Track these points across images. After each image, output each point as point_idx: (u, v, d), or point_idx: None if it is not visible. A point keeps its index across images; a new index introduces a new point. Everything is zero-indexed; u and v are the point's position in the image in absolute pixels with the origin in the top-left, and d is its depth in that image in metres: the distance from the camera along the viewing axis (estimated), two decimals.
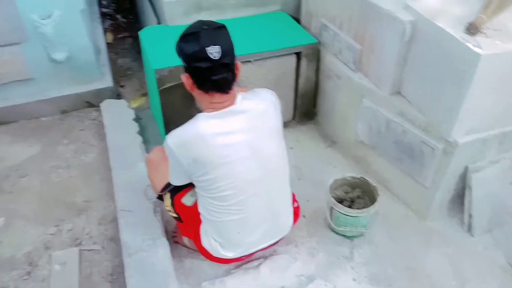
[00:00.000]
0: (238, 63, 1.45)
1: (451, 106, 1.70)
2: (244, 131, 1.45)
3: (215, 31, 1.36)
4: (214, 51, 1.32)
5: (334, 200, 1.89)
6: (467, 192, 1.94)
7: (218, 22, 1.40)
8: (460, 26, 1.66)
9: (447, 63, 1.68)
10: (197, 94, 1.46)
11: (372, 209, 1.85)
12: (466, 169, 1.89)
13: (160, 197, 1.73)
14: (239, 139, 1.44)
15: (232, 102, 1.45)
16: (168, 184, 1.66)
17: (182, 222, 1.71)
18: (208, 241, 1.64)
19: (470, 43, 1.58)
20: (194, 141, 1.42)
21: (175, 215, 1.70)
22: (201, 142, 1.41)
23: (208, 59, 1.33)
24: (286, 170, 1.65)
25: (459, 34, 1.63)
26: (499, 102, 1.72)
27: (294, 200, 1.79)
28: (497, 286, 1.80)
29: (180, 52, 1.39)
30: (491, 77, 1.61)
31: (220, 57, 1.33)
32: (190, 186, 1.65)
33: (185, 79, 1.45)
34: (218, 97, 1.43)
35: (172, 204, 1.68)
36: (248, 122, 1.46)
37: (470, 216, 1.96)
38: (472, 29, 1.64)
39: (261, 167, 1.51)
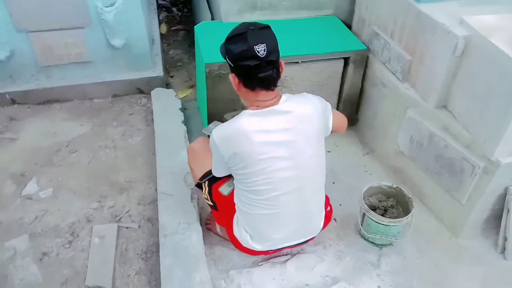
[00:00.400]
0: (282, 62, 1.51)
1: (497, 124, 1.68)
2: (284, 131, 1.50)
3: (261, 31, 1.43)
4: (261, 49, 1.39)
5: (367, 206, 1.90)
6: (504, 214, 1.89)
7: (264, 23, 1.48)
8: None
9: (498, 81, 1.65)
10: (243, 92, 1.53)
11: (404, 219, 1.85)
12: (506, 190, 1.85)
13: (199, 186, 1.81)
14: (278, 138, 1.50)
15: (276, 102, 1.51)
16: (207, 173, 1.73)
17: (217, 210, 1.78)
18: (239, 231, 1.70)
19: None
20: (236, 136, 1.49)
21: (211, 203, 1.77)
22: (242, 137, 1.48)
23: (255, 57, 1.40)
24: (322, 174, 1.69)
25: None
26: None
27: (327, 203, 1.81)
28: None
29: (228, 53, 1.47)
30: None
31: (266, 54, 1.40)
32: (228, 176, 1.72)
33: (232, 78, 1.53)
34: (263, 94, 1.49)
35: (210, 193, 1.75)
36: (289, 123, 1.51)
37: (506, 239, 1.92)
38: None
39: (297, 167, 1.55)
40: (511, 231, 1.90)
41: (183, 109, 2.62)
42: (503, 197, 1.88)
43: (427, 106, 2.02)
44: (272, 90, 1.49)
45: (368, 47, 2.42)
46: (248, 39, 1.39)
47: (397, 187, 1.99)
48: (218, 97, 2.32)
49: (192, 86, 3.05)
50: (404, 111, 2.14)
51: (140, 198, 2.20)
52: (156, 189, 2.11)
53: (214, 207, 1.78)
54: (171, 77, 3.19)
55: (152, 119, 2.57)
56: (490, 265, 1.92)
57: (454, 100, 1.94)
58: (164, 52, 3.42)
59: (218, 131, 1.53)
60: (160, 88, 2.81)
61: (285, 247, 1.76)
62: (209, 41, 2.40)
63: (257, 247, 1.71)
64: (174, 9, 4.13)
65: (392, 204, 2.03)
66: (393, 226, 1.86)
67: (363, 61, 2.42)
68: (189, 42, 3.58)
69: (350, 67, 2.43)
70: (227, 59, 1.49)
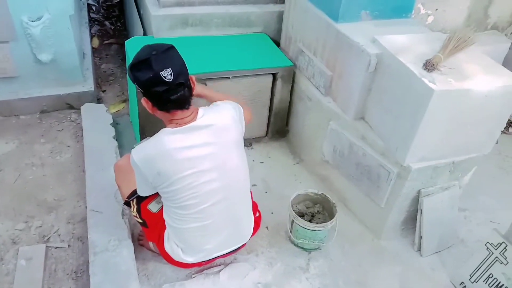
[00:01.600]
0: (192, 77, 1.54)
1: (406, 134, 1.85)
2: (206, 145, 1.54)
3: (165, 53, 1.43)
4: (167, 74, 1.40)
5: (294, 213, 2.00)
6: (418, 215, 2.08)
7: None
8: (420, 62, 1.82)
9: (405, 95, 1.83)
10: (159, 114, 1.55)
11: (329, 224, 1.97)
12: (418, 193, 2.03)
13: (127, 204, 1.80)
14: (201, 153, 1.54)
15: (193, 118, 1.54)
16: (135, 191, 1.72)
17: (147, 227, 1.79)
18: (170, 246, 1.72)
19: (426, 78, 1.74)
20: (158, 155, 1.49)
21: (140, 220, 1.77)
22: (165, 156, 1.49)
23: (163, 82, 1.40)
24: (247, 180, 1.75)
25: (417, 69, 1.78)
26: (449, 134, 1.87)
27: (255, 209, 1.88)
28: None
29: (135, 80, 1.46)
30: (442, 111, 1.76)
31: (174, 78, 1.41)
32: (156, 194, 1.73)
33: (145, 102, 1.53)
34: (179, 113, 1.51)
35: (138, 210, 1.75)
36: (210, 136, 1.55)
37: (421, 237, 2.10)
38: (429, 66, 1.79)
39: (222, 178, 1.60)
40: (425, 230, 2.08)
41: (114, 124, 2.59)
42: (416, 199, 2.06)
43: (346, 118, 2.18)
44: (188, 109, 1.52)
45: (294, 63, 2.56)
46: (153, 66, 1.39)
47: (322, 193, 2.12)
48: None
49: (125, 101, 3.02)
50: (327, 123, 2.28)
51: (70, 216, 2.14)
52: (86, 207, 2.07)
53: (144, 224, 1.78)
54: (103, 91, 3.15)
55: (82, 135, 2.52)
56: (408, 262, 2.10)
57: (370, 112, 2.11)
58: (96, 66, 3.36)
59: (138, 152, 1.51)
60: (90, 103, 2.76)
61: (218, 256, 1.80)
62: None
63: (189, 259, 1.74)
64: (107, 22, 4.07)
65: (318, 210, 2.15)
66: (319, 231, 1.97)
67: (290, 76, 2.56)
68: (122, 56, 3.55)
69: (279, 82, 2.55)
70: (136, 85, 1.49)
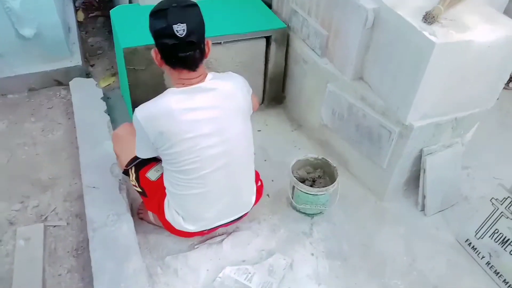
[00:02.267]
0: (209, 41, 1.49)
1: (407, 91, 1.79)
2: (210, 108, 1.50)
3: (184, 9, 1.38)
4: (180, 29, 1.36)
5: (295, 179, 1.96)
6: (421, 174, 2.04)
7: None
8: (419, 15, 1.73)
9: (405, 50, 1.76)
10: (166, 69, 1.50)
11: (330, 188, 1.93)
12: (421, 152, 1.99)
13: (126, 172, 1.76)
14: (205, 116, 1.49)
15: (201, 80, 1.50)
16: (133, 159, 1.70)
17: (146, 197, 1.75)
18: (171, 214, 1.69)
19: (427, 31, 1.66)
20: (161, 115, 1.46)
21: (139, 189, 1.74)
22: (168, 116, 1.46)
23: (174, 36, 1.36)
24: (250, 150, 1.71)
25: (417, 22, 1.71)
26: (451, 89, 1.81)
27: (258, 179, 1.85)
28: (445, 262, 1.92)
29: (150, 27, 1.42)
30: (444, 65, 1.69)
31: (186, 35, 1.37)
32: (154, 161, 1.70)
33: (154, 54, 1.49)
34: (185, 73, 1.47)
35: (137, 179, 1.72)
36: (215, 100, 1.51)
37: (424, 197, 2.07)
38: (429, 18, 1.71)
39: (225, 144, 1.56)
40: (428, 189, 2.05)
41: (105, 98, 2.52)
42: (419, 159, 2.02)
43: (344, 79, 2.11)
44: (194, 70, 1.47)
45: (288, 25, 2.46)
46: (168, 17, 1.35)
47: (322, 158, 2.07)
48: (140, 83, 2.26)
49: (114, 74, 2.93)
50: (325, 86, 2.21)
51: (66, 194, 2.10)
52: (82, 184, 2.02)
53: (143, 193, 1.75)
54: (92, 66, 3.05)
55: (73, 111, 2.45)
56: (411, 223, 2.08)
57: (368, 72, 2.04)
58: (82, 40, 3.24)
59: (142, 110, 1.48)
60: (79, 78, 2.67)
61: (220, 225, 1.77)
62: (126, 25, 2.31)
63: (191, 228, 1.70)
64: None
65: (319, 174, 2.11)
66: (321, 195, 1.94)
67: (284, 39, 2.46)
68: (109, 29, 3.41)
69: (273, 46, 2.46)
70: (151, 33, 1.44)
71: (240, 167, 1.67)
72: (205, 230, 1.75)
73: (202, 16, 1.43)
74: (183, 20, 1.36)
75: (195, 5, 1.42)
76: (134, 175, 1.72)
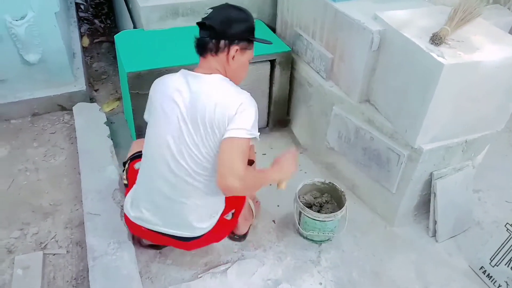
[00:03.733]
0: (238, 49, 1.50)
1: (416, 114, 1.75)
2: (188, 99, 1.45)
3: (227, 5, 1.52)
4: (208, 11, 1.48)
5: (302, 204, 1.91)
6: (432, 199, 1.98)
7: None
8: (426, 37, 1.72)
9: (412, 72, 1.73)
10: None
11: (339, 214, 1.87)
12: (431, 176, 1.93)
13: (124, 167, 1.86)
14: (180, 101, 1.46)
15: (205, 71, 1.50)
16: (132, 156, 1.82)
17: (127, 187, 1.77)
18: (128, 196, 1.70)
19: (435, 52, 1.63)
20: (157, 82, 1.57)
21: (126, 182, 1.78)
22: (159, 85, 1.56)
23: (203, 17, 1.48)
24: (202, 167, 1.50)
25: (424, 44, 1.69)
26: (461, 111, 1.77)
27: (227, 212, 1.68)
28: None
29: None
30: (453, 86, 1.66)
31: (208, 18, 1.46)
32: None
33: None
34: (200, 60, 1.54)
35: (127, 170, 1.79)
36: (198, 96, 1.43)
37: (435, 222, 2.00)
38: (436, 39, 1.70)
39: (179, 141, 1.46)
40: (439, 214, 1.99)
41: (109, 123, 2.50)
42: (429, 183, 1.96)
43: (351, 101, 2.08)
44: (204, 57, 1.52)
45: (292, 49, 2.45)
46: (210, 10, 1.49)
47: (329, 182, 2.02)
48: (144, 107, 2.22)
49: (118, 99, 2.92)
50: (330, 108, 2.18)
51: (67, 221, 2.05)
52: (83, 210, 1.98)
53: (127, 185, 1.77)
54: (96, 90, 3.04)
55: (76, 136, 2.42)
56: (423, 249, 2.00)
57: (375, 94, 2.00)
58: (87, 65, 3.26)
59: (157, 79, 1.60)
60: (83, 103, 2.66)
61: (162, 234, 1.62)
62: (130, 50, 2.31)
63: (131, 214, 1.63)
64: (96, 21, 3.96)
65: (326, 199, 2.05)
66: (329, 221, 1.87)
67: (289, 62, 2.45)
68: (114, 54, 3.44)
69: (277, 69, 2.44)
70: None
71: (188, 177, 1.50)
72: (144, 227, 1.63)
73: (235, 17, 1.50)
74: (215, 9, 1.48)
75: (241, 10, 1.53)
76: (127, 167, 1.79)
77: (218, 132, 1.43)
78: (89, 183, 2.05)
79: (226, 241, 1.94)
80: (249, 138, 1.41)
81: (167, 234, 1.63)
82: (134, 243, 1.82)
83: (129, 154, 1.87)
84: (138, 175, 1.66)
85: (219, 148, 1.43)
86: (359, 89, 2.01)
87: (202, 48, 1.51)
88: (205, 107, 1.42)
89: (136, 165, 1.74)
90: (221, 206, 1.66)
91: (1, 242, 1.93)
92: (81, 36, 3.53)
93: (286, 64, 2.45)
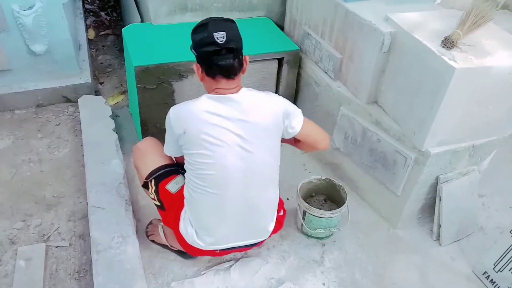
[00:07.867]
0: (246, 57, 1.54)
1: (424, 117, 1.74)
2: (237, 119, 1.48)
3: (223, 21, 1.48)
4: (220, 36, 1.42)
5: (307, 204, 1.90)
6: (437, 202, 1.98)
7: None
8: (437, 40, 1.71)
9: (423, 75, 1.72)
10: (206, 81, 1.53)
11: (344, 207, 1.89)
12: (437, 180, 1.93)
13: (145, 185, 1.73)
14: (229, 125, 1.48)
15: (235, 91, 1.51)
16: (154, 172, 1.69)
17: (164, 210, 1.70)
18: (185, 227, 1.63)
19: (446, 56, 1.63)
20: (188, 113, 1.51)
21: (158, 203, 1.70)
22: (193, 116, 1.49)
23: (214, 43, 1.42)
24: (274, 172, 1.64)
25: (435, 47, 1.68)
26: (470, 115, 1.76)
27: (281, 207, 1.77)
28: None
29: (192, 42, 1.50)
30: (463, 90, 1.65)
31: (225, 41, 1.42)
32: (175, 174, 1.68)
33: (196, 68, 1.54)
34: (223, 83, 1.49)
35: (157, 192, 1.68)
36: (244, 112, 1.49)
37: (439, 226, 2.00)
38: (448, 43, 1.69)
39: (246, 158, 1.52)
40: (444, 218, 1.98)
41: (114, 116, 2.48)
42: (435, 186, 1.96)
43: (358, 102, 2.07)
44: (233, 79, 1.50)
45: (300, 47, 2.44)
46: (209, 27, 1.43)
47: (326, 178, 2.03)
48: (150, 102, 2.22)
49: (123, 92, 2.91)
50: (337, 109, 2.17)
51: (70, 213, 2.04)
52: (87, 203, 1.97)
53: (161, 207, 1.71)
54: (101, 83, 3.03)
55: (80, 129, 2.41)
56: (426, 252, 2.00)
57: (384, 95, 2.00)
58: (92, 58, 3.24)
59: (174, 109, 1.54)
60: (88, 95, 2.65)
61: (231, 248, 1.68)
62: (138, 44, 2.29)
63: (202, 244, 1.63)
64: (102, 13, 3.94)
65: (324, 198, 2.07)
66: (334, 217, 1.88)
67: (296, 61, 2.44)
68: (119, 47, 3.43)
69: (284, 68, 2.43)
70: (192, 50, 1.51)
71: (260, 187, 1.60)
72: (216, 250, 1.66)
73: (239, 31, 1.49)
74: (222, 30, 1.43)
75: (232, 20, 1.50)
76: (153, 187, 1.68)
77: (278, 130, 1.58)
78: (93, 176, 2.04)
79: None
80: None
81: (239, 246, 1.69)
82: (138, 237, 1.82)
83: (144, 170, 1.73)
84: (196, 204, 1.59)
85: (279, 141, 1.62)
86: (367, 90, 2.00)
87: (230, 72, 1.48)
88: (256, 120, 1.50)
89: (170, 188, 1.67)
90: (277, 199, 1.73)
91: (4, 232, 1.93)
92: (87, 28, 3.52)
93: (294, 63, 2.44)
